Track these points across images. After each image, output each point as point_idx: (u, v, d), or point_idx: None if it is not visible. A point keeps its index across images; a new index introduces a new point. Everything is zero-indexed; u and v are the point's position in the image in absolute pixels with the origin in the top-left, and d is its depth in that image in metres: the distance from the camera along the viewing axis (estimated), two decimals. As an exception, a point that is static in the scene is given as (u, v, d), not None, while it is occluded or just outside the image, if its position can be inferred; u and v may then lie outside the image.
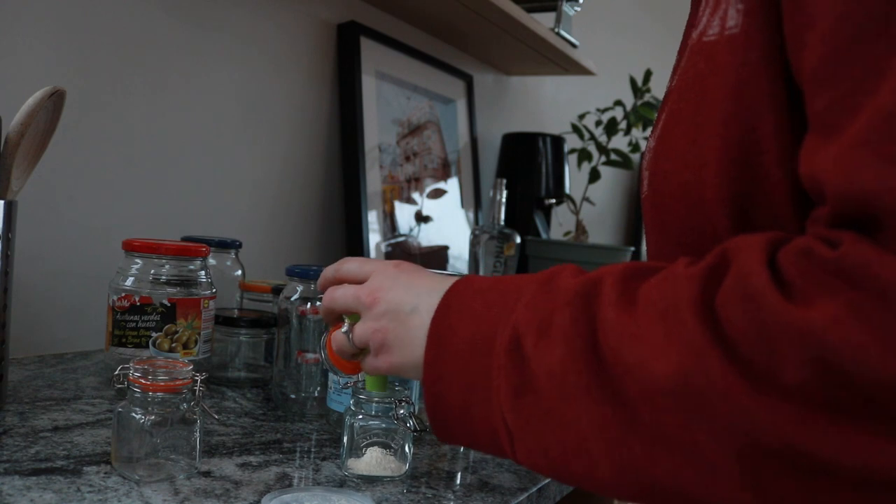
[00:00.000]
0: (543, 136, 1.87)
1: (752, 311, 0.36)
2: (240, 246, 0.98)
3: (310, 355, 0.77)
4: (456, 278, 0.53)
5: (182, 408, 0.57)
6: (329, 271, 0.62)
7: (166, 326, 0.78)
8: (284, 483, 0.58)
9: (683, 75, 0.50)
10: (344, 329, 0.58)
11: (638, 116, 1.74)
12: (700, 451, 0.38)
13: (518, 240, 1.47)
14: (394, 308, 0.53)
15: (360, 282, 0.58)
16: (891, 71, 0.35)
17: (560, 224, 2.01)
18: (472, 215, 1.70)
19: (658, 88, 1.54)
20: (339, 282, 0.61)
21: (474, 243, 1.45)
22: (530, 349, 0.44)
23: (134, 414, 0.56)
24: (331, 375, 0.73)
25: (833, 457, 0.34)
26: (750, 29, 0.44)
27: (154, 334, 0.77)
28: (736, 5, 0.45)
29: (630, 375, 0.39)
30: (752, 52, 0.44)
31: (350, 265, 0.60)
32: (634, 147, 1.87)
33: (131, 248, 0.79)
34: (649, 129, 1.91)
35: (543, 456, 0.44)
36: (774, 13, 0.43)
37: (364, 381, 0.64)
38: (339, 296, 0.58)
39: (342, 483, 0.60)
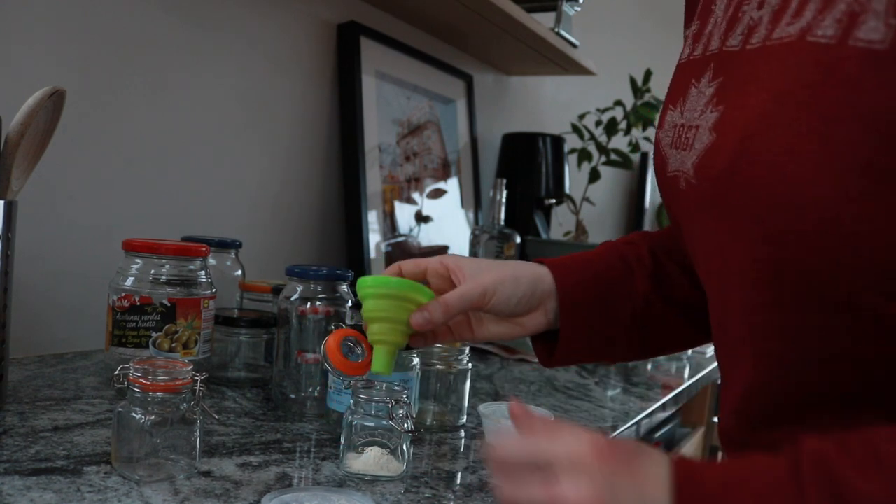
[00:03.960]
0: (543, 136, 1.87)
1: None
2: (240, 246, 0.98)
3: (310, 355, 0.77)
4: (673, 476, 0.41)
5: (182, 408, 0.57)
6: (508, 452, 0.44)
7: (166, 326, 0.78)
8: (284, 483, 0.58)
9: (783, 75, 0.44)
10: None
11: (638, 116, 1.74)
12: None
13: (518, 240, 1.46)
14: None
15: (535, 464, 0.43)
16: None
17: (560, 224, 2.02)
18: (472, 215, 1.70)
19: (658, 88, 1.54)
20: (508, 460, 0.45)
21: (474, 243, 1.45)
22: None
23: (134, 414, 0.56)
24: (330, 375, 0.73)
25: None
26: None
27: (154, 334, 0.77)
28: (888, 19, 0.40)
29: None
30: None
31: (539, 445, 0.43)
32: (634, 147, 1.87)
33: (131, 248, 0.79)
34: (649, 129, 1.91)
35: None
36: None
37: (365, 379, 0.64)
38: (524, 496, 0.43)
39: (342, 483, 0.60)
